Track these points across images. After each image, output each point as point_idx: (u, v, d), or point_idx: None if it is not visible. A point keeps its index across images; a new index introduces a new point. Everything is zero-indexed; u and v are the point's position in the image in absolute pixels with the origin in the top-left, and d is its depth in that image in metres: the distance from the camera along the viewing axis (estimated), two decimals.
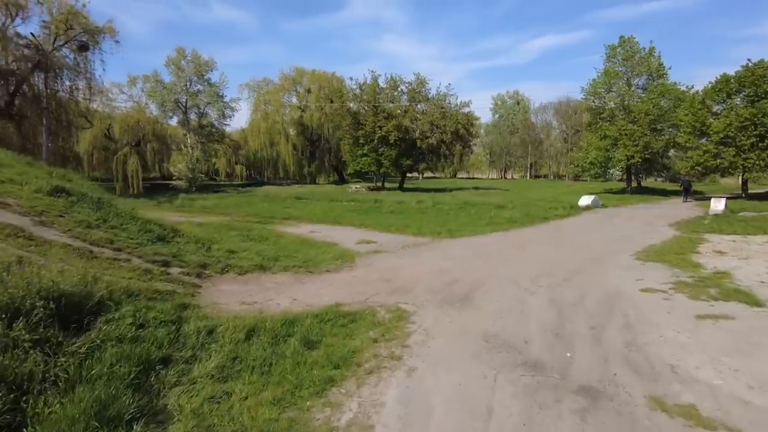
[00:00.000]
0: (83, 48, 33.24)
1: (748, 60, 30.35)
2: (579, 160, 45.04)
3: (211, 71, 57.88)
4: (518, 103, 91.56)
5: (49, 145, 31.27)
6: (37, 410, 3.24)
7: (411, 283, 7.92)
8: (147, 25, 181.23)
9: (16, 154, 13.59)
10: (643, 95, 40.30)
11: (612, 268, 9.43)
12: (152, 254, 7.56)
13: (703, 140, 34.79)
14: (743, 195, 33.26)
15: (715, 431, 3.53)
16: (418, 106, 43.76)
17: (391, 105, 42.88)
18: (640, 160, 38.32)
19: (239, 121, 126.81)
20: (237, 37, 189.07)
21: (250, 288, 7.36)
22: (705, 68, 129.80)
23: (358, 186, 45.07)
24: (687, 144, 35.13)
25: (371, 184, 47.49)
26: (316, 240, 13.19)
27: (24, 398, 3.29)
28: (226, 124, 59.68)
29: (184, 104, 56.85)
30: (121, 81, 56.67)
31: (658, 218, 19.84)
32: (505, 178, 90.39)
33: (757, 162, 28.75)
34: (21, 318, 3.81)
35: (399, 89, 43.35)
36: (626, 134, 38.23)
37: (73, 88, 34.12)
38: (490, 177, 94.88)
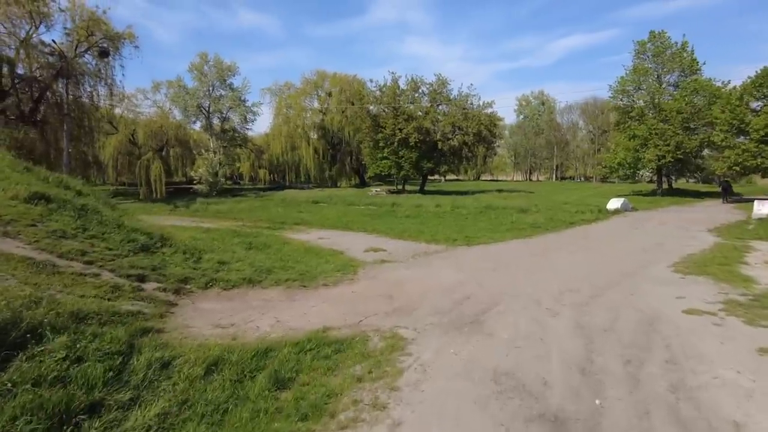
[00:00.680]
0: (104, 54, 33.48)
1: None
2: (607, 161, 43.15)
3: (234, 76, 58.18)
4: (543, 104, 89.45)
5: (70, 150, 31.49)
6: None
7: (416, 301, 6.99)
8: (175, 33, 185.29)
9: (14, 158, 13.15)
10: (675, 92, 38.32)
11: (647, 282, 8.29)
12: (128, 267, 6.84)
13: (741, 138, 32.80)
14: None
15: None
16: (440, 107, 42.77)
17: (411, 107, 42.02)
18: (672, 161, 36.34)
19: (261, 125, 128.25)
20: (263, 43, 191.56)
21: (233, 306, 6.56)
22: (739, 66, 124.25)
23: (378, 189, 44.33)
24: (723, 143, 33.15)
25: (392, 188, 46.69)
26: (322, 248, 12.37)
27: None
28: (248, 129, 59.95)
29: (206, 109, 57.30)
30: (145, 86, 57.28)
31: (695, 223, 18.34)
32: (530, 180, 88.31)
33: None
34: None
35: (420, 90, 42.49)
36: (657, 133, 36.34)
37: (94, 93, 34.37)
38: (514, 179, 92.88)
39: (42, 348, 3.92)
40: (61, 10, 31.66)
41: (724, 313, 6.35)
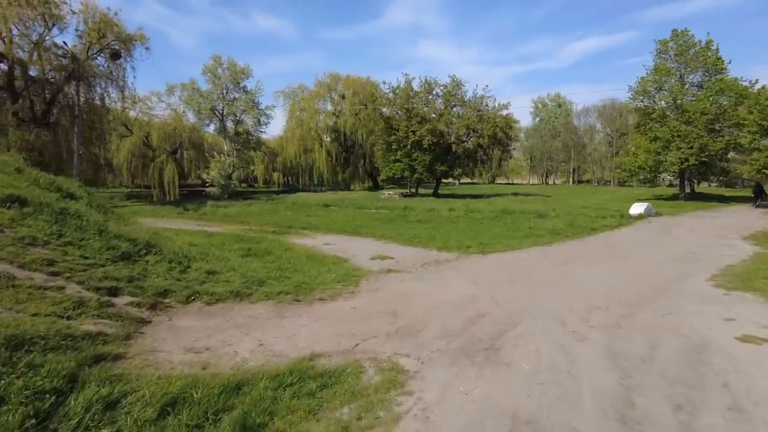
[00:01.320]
0: (115, 56, 33.38)
1: None
2: (626, 164, 41.65)
3: (247, 78, 58.32)
4: (560, 106, 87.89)
5: (81, 152, 31.35)
6: None
7: (422, 320, 6.15)
8: (192, 37, 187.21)
9: (22, 160, 12.66)
10: (699, 93, 36.79)
11: (686, 299, 7.32)
12: (100, 278, 6.13)
13: None
14: None
15: None
16: (454, 109, 41.81)
17: (425, 109, 41.17)
18: (696, 164, 34.83)
19: (275, 128, 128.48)
20: (279, 47, 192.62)
21: (214, 324, 5.79)
22: (765, 67, 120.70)
23: (391, 192, 43.54)
24: (751, 145, 31.62)
25: (405, 191, 45.87)
26: (326, 254, 11.60)
27: None
28: (261, 132, 59.99)
29: (220, 112, 57.38)
30: (160, 89, 57.56)
31: (727, 229, 17.15)
32: (547, 183, 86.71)
33: None
34: None
35: (434, 92, 41.58)
36: (680, 136, 34.87)
37: (105, 95, 34.25)
38: (530, 182, 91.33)
39: None
40: (73, 12, 31.61)
41: None
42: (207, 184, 48.45)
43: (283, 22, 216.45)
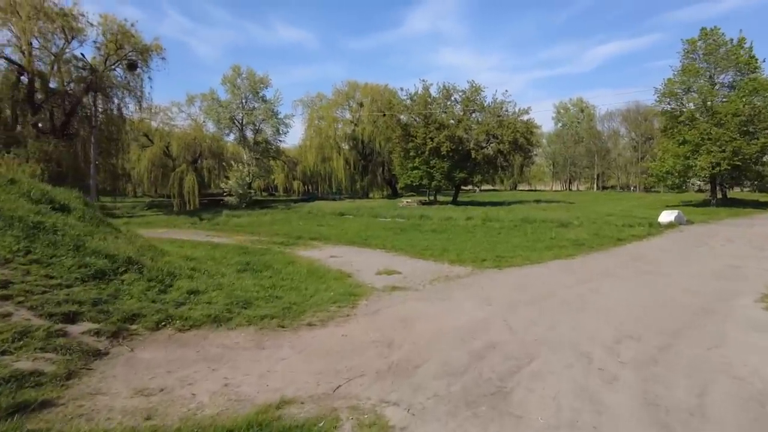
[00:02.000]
0: (132, 66, 33.60)
1: None
2: (653, 169, 39.89)
3: (266, 88, 58.56)
4: (582, 111, 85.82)
5: (97, 163, 31.50)
6: None
7: (421, 352, 5.27)
8: (216, 49, 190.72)
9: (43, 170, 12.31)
10: (731, 94, 34.97)
11: (735, 326, 6.25)
12: (60, 302, 5.46)
13: None
14: None
15: None
16: (473, 115, 40.86)
17: (443, 115, 40.34)
18: (729, 168, 32.96)
19: (294, 137, 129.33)
20: (300, 57, 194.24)
21: (181, 356, 5.04)
22: None
23: (409, 200, 42.74)
24: None
25: (424, 198, 45.01)
26: (329, 269, 10.81)
27: None
28: (281, 141, 60.10)
29: (240, 121, 57.70)
30: (180, 100, 58.24)
31: None
32: (570, 189, 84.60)
33: None
34: None
35: (452, 98, 40.76)
36: (710, 139, 33.11)
37: (122, 106, 34.47)
38: (553, 189, 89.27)
39: None
40: (91, 24, 31.91)
41: None
42: (225, 194, 48.56)
43: (304, 33, 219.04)
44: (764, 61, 34.33)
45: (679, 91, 36.90)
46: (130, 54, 33.31)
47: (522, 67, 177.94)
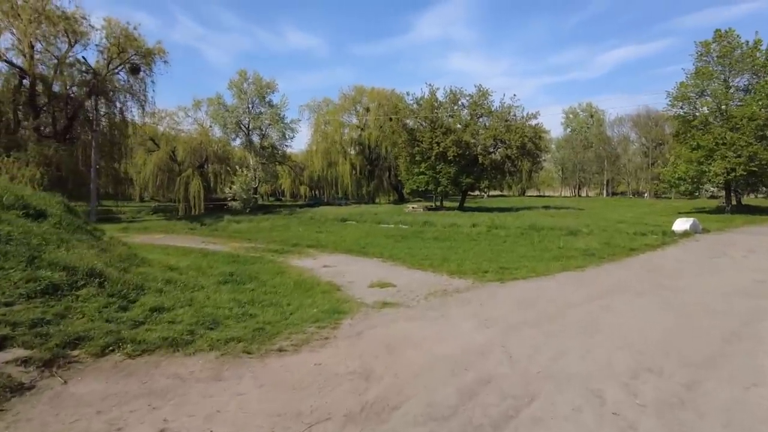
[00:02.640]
0: (135, 70, 33.30)
1: None
2: (665, 175, 38.77)
3: (273, 93, 58.43)
4: (592, 116, 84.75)
5: (98, 166, 31.13)
6: None
7: (403, 388, 4.49)
8: (227, 55, 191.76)
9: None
10: (746, 97, 33.84)
11: None
12: None
13: None
14: None
15: None
16: (480, 119, 40.07)
17: (450, 119, 39.60)
18: (744, 174, 31.78)
19: (300, 142, 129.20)
20: (309, 63, 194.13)
21: (121, 390, 4.30)
22: None
23: (415, 206, 42.00)
24: None
25: (430, 204, 44.24)
26: (319, 281, 10.06)
27: None
28: (287, 145, 59.91)
29: (246, 126, 57.48)
30: (187, 105, 58.13)
31: None
32: (579, 195, 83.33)
33: None
34: None
35: (459, 103, 40.04)
36: (725, 144, 32.00)
37: (124, 109, 34.16)
38: (562, 195, 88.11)
39: None
40: (93, 28, 31.64)
41: None
42: (229, 199, 48.20)
43: (314, 39, 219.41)
44: None
45: (692, 94, 35.85)
46: (132, 57, 33.01)
47: (532, 72, 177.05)
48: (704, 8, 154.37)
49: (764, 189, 38.82)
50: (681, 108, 36.65)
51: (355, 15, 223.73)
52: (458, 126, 38.95)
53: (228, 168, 52.60)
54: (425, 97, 39.61)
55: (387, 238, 17.83)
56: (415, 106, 40.46)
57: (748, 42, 33.91)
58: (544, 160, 56.47)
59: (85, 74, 32.29)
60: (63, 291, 6.14)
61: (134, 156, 40.74)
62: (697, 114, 35.70)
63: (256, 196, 49.75)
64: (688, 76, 35.99)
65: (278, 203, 63.68)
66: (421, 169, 39.11)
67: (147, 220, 33.77)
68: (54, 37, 30.01)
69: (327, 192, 66.95)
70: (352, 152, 59.69)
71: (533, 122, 38.11)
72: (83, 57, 31.40)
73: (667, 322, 6.75)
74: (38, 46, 30.23)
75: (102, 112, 32.67)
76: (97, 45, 31.98)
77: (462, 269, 10.96)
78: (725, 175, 32.08)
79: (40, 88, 30.48)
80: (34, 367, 4.47)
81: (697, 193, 41.43)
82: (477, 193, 59.84)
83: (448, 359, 5.23)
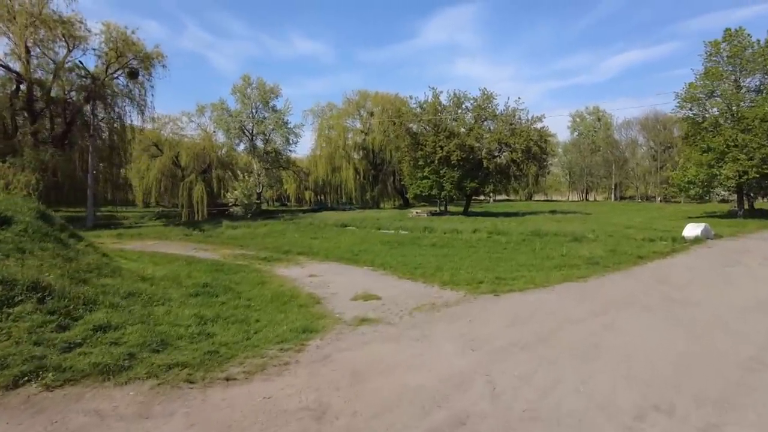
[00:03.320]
0: (134, 74, 32.93)
1: None
2: (675, 178, 37.67)
3: (276, 98, 58.13)
4: (599, 120, 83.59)
5: (95, 172, 30.74)
6: None
7: (361, 430, 3.76)
8: (234, 62, 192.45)
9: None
10: (758, 98, 32.77)
11: None
12: None
13: None
14: None
15: None
16: (485, 123, 39.28)
17: (454, 123, 38.87)
18: (757, 176, 30.67)
19: (304, 147, 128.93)
20: (315, 69, 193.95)
21: None
22: None
23: (419, 211, 41.20)
24: None
25: (434, 209, 43.45)
26: (299, 292, 9.33)
27: None
28: (291, 150, 59.53)
29: (250, 131, 57.16)
30: (190, 110, 57.88)
31: None
32: (587, 200, 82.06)
33: None
34: None
35: (463, 106, 39.29)
36: (736, 146, 30.91)
37: (123, 114, 33.80)
38: (569, 199, 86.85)
39: None
40: (90, 32, 31.27)
41: None
42: (231, 204, 47.77)
43: (320, 45, 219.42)
44: None
45: (701, 95, 34.83)
46: (131, 62, 32.65)
47: (537, 77, 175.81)
48: (712, 11, 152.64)
49: None
50: (690, 110, 35.65)
51: (362, 21, 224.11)
52: (462, 130, 38.21)
53: (232, 173, 52.29)
54: (428, 100, 38.96)
55: (383, 245, 17.09)
56: (418, 109, 39.81)
57: (759, 41, 32.91)
58: (551, 164, 55.58)
59: (84, 79, 31.96)
60: None
61: (138, 161, 40.39)
62: (706, 116, 34.69)
63: (259, 201, 49.22)
64: (697, 77, 35.02)
65: (283, 208, 63.25)
66: (424, 174, 38.38)
67: (145, 226, 33.30)
68: (51, 42, 29.72)
69: (331, 197, 66.54)
70: (356, 157, 59.18)
71: (538, 125, 37.25)
72: (80, 61, 31.09)
73: (678, 345, 5.94)
74: (36, 51, 29.95)
75: (100, 117, 32.30)
76: (95, 50, 31.67)
77: (455, 279, 10.19)
78: (737, 178, 31.00)
79: (37, 92, 30.17)
80: None
81: (707, 197, 40.32)
82: (483, 197, 58.93)
83: (420, 391, 4.47)
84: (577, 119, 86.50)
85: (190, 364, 4.97)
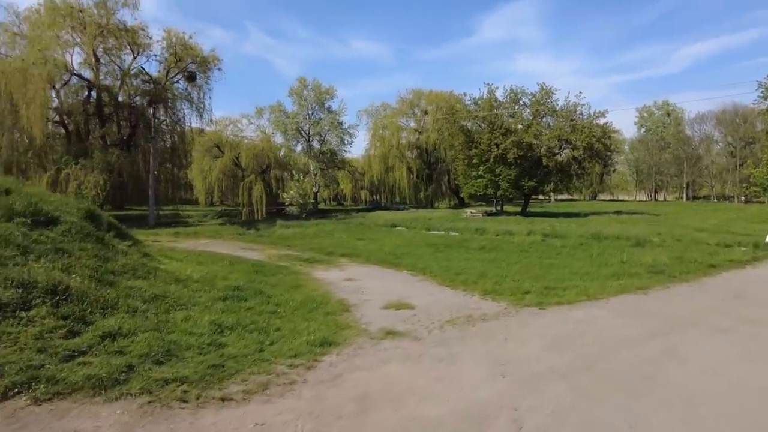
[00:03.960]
0: (191, 78, 34.30)
1: None
2: (758, 176, 34.24)
3: (332, 99, 58.82)
4: (668, 115, 77.73)
5: (156, 172, 32.24)
6: None
7: None
8: (297, 66, 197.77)
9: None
10: None
11: None
12: None
13: None
14: None
15: None
16: (543, 119, 37.44)
17: (510, 119, 37.34)
18: None
19: (358, 147, 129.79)
20: (372, 69, 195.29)
21: None
22: None
23: (474, 211, 40.04)
24: None
25: (491, 209, 42.04)
26: (330, 298, 8.92)
27: None
28: (346, 150, 60.11)
29: (306, 132, 58.16)
30: (249, 112, 59.86)
31: None
32: (656, 200, 76.59)
33: None
34: None
35: (521, 102, 37.67)
36: None
37: (182, 116, 35.32)
38: (637, 199, 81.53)
39: None
40: (151, 38, 32.94)
41: None
42: (286, 204, 48.76)
43: (378, 46, 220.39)
44: None
45: None
46: (189, 65, 34.02)
47: (603, 71, 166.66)
48: None
49: None
50: None
51: (419, 19, 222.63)
52: (519, 126, 36.66)
53: (289, 173, 53.41)
54: (483, 97, 37.66)
55: (428, 247, 16.42)
56: (472, 106, 38.61)
57: None
58: (616, 162, 52.24)
59: (147, 84, 33.72)
60: (9, 311, 5.43)
61: (200, 161, 42.09)
62: None
63: (315, 201, 49.91)
64: None
65: (338, 208, 64.09)
66: (479, 172, 37.16)
67: (204, 224, 34.53)
68: (118, 50, 31.58)
69: (385, 196, 66.50)
70: (410, 156, 58.75)
71: (601, 121, 35.04)
72: (142, 67, 32.81)
73: (757, 378, 4.89)
74: (104, 59, 31.89)
75: (162, 120, 33.88)
76: (156, 55, 33.35)
77: (498, 288, 9.37)
78: None
79: (106, 98, 32.12)
80: None
81: None
82: (543, 197, 56.50)
83: (431, 427, 3.85)
84: (645, 114, 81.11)
85: (190, 379, 4.63)
